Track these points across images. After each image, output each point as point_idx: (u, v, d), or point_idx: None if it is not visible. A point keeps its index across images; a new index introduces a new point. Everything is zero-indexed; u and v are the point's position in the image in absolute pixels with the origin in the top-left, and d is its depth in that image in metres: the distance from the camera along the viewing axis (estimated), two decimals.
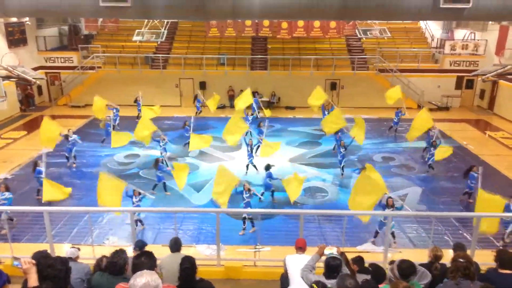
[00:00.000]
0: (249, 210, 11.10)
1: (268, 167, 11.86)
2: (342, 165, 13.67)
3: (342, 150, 13.53)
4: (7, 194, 10.15)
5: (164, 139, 14.37)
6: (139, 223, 10.23)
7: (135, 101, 19.26)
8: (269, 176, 11.77)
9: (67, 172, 13.87)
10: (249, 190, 10.24)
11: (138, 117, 18.04)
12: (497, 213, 9.84)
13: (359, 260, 5.52)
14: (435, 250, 5.39)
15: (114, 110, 17.57)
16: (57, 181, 12.52)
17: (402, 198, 12.18)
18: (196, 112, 20.23)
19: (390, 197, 9.41)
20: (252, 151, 13.91)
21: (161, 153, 14.26)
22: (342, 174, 13.68)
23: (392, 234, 9.55)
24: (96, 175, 13.58)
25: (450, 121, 20.71)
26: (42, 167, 11.64)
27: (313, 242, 9.23)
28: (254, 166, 13.88)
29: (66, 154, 14.35)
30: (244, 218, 10.29)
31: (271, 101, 22.90)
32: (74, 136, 14.32)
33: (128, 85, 22.58)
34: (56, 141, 13.83)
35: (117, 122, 17.33)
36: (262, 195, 11.40)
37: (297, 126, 19.55)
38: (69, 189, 11.73)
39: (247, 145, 13.88)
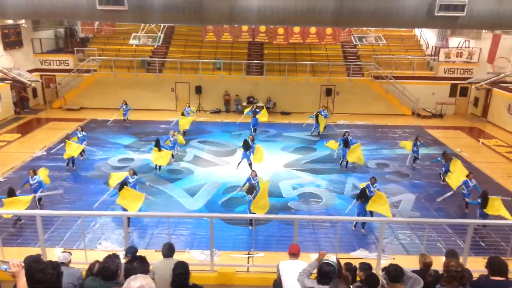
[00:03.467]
0: (244, 215, 11.10)
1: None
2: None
3: None
4: (37, 178, 10.93)
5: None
6: None
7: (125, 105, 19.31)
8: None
9: (60, 176, 13.79)
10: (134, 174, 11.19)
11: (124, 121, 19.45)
12: (495, 221, 9.94)
13: (368, 268, 5.52)
14: (424, 258, 5.44)
15: (124, 107, 19.03)
16: (49, 185, 12.48)
17: (396, 204, 12.23)
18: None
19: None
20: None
21: None
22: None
23: None
24: (90, 179, 13.65)
25: (444, 128, 20.85)
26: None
27: (307, 248, 9.27)
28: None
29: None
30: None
31: (267, 106, 22.93)
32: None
33: (124, 89, 22.57)
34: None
35: (127, 116, 19.38)
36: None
37: (292, 131, 19.58)
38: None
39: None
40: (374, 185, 10.83)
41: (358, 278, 5.66)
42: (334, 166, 15.24)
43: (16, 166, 14.58)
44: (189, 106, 19.39)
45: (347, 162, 14.78)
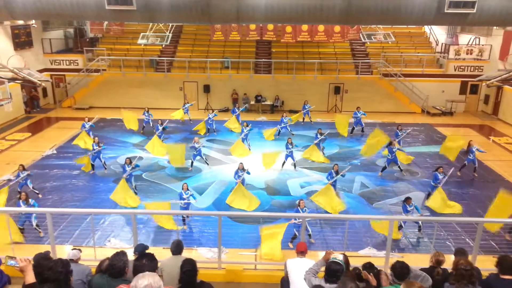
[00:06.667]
0: (251, 213, 11.11)
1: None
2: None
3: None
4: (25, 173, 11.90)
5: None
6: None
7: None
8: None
9: (69, 174, 13.93)
10: (188, 189, 10.75)
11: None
12: (501, 219, 9.80)
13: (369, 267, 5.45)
14: (437, 255, 5.38)
15: (146, 114, 18.73)
16: (59, 183, 12.60)
17: None
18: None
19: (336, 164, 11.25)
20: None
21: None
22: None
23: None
24: (99, 177, 13.77)
25: (454, 126, 20.63)
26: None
27: (314, 246, 9.26)
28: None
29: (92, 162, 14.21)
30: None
31: (275, 104, 22.95)
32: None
33: (133, 88, 22.75)
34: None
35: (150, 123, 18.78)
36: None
37: (301, 130, 19.53)
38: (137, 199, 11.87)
39: None
40: (411, 205, 10.07)
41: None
42: (342, 165, 15.16)
43: (26, 164, 14.71)
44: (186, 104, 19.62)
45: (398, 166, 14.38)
